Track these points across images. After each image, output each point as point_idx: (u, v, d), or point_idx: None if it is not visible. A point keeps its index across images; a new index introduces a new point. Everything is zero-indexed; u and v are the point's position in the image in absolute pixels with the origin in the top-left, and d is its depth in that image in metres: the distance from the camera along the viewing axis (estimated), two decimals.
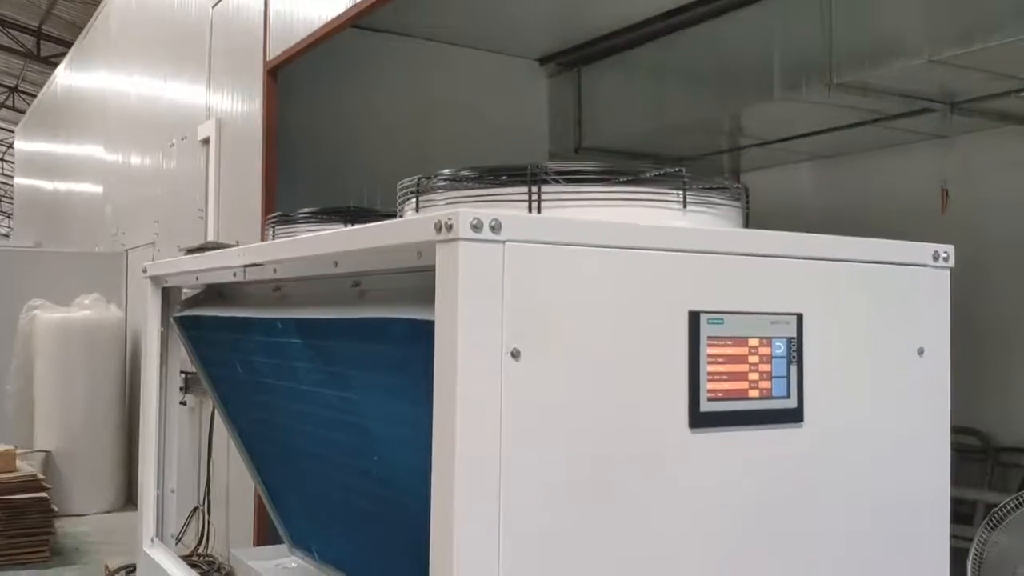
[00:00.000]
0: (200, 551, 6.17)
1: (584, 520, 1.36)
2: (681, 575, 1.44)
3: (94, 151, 10.08)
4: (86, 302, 7.88)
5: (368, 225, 1.47)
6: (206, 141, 6.26)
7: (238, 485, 5.94)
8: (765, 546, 1.52)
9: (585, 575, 1.36)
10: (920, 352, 1.68)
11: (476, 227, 1.25)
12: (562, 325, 1.34)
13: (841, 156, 6.83)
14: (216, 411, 3.12)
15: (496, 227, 1.27)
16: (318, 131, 5.58)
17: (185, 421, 6.37)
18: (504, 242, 1.28)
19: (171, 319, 2.63)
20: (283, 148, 5.21)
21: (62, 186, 12.19)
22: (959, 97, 5.02)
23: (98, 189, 9.94)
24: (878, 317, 1.64)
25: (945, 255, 1.71)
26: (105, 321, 7.90)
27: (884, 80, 4.59)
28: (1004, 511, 2.45)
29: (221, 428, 6.20)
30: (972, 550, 2.53)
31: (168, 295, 2.66)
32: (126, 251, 8.46)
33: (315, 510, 2.48)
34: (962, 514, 5.27)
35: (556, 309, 1.33)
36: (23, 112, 16.72)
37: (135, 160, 8.51)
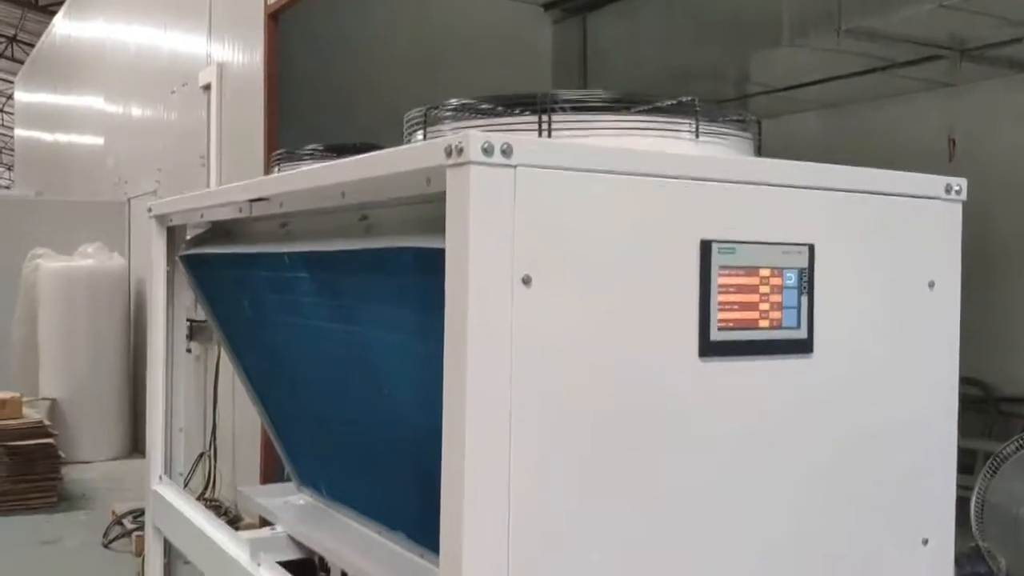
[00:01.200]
0: (207, 495, 6.24)
1: (594, 447, 1.37)
2: (688, 503, 1.45)
3: (94, 102, 10.01)
4: (89, 251, 7.88)
5: (377, 152, 1.46)
6: (207, 87, 6.21)
7: (244, 431, 5.99)
8: (772, 476, 1.53)
9: (596, 502, 1.37)
10: (931, 285, 1.68)
11: (487, 151, 1.24)
12: (573, 252, 1.33)
13: (848, 105, 6.77)
14: (223, 351, 3.13)
15: (507, 151, 1.25)
16: (321, 75, 5.53)
17: (191, 369, 6.40)
18: (515, 167, 1.27)
19: (177, 258, 2.62)
20: (286, 93, 5.16)
21: (63, 137, 12.12)
22: (969, 44, 4.96)
23: (99, 140, 9.89)
24: (889, 249, 1.63)
25: (958, 188, 1.70)
26: (108, 270, 7.91)
27: (893, 26, 4.53)
28: (1004, 455, 2.46)
29: (227, 375, 6.24)
30: (974, 496, 2.54)
31: (173, 234, 2.65)
32: (128, 200, 8.44)
33: (323, 448, 2.50)
34: (964, 464, 5.31)
35: (567, 236, 1.33)
36: (22, 62, 16.58)
37: (136, 109, 8.45)
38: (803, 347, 1.53)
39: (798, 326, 1.52)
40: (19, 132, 16.37)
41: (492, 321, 1.28)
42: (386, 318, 1.72)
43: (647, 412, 1.41)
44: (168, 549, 2.69)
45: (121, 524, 5.67)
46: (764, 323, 1.49)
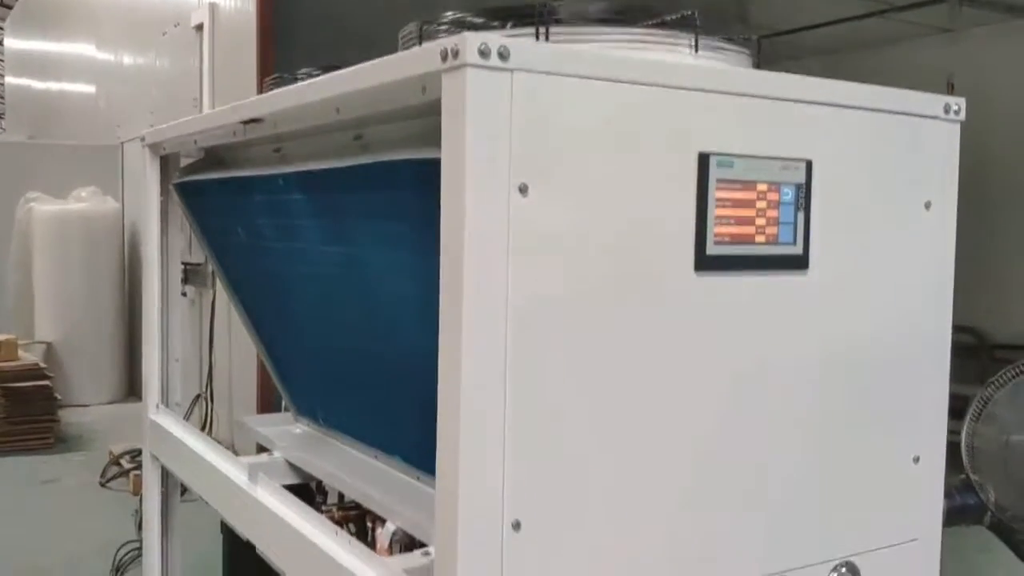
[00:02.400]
0: None
1: (591, 361, 1.37)
2: (681, 416, 1.45)
3: (85, 48, 9.88)
4: (83, 195, 7.84)
5: (371, 61, 1.44)
6: (199, 28, 6.14)
7: (240, 372, 6.02)
8: (765, 391, 1.54)
9: (592, 417, 1.37)
10: (927, 206, 1.68)
11: (484, 53, 1.22)
12: (571, 161, 1.32)
13: (848, 51, 6.72)
14: (218, 283, 3.12)
15: (504, 54, 1.24)
16: (316, 8, 5.46)
17: (186, 313, 6.40)
18: (512, 71, 1.25)
19: (170, 188, 2.61)
20: (279, 30, 5.10)
21: (55, 85, 11.99)
22: None
23: (91, 87, 9.78)
24: (887, 168, 1.62)
25: (956, 108, 1.69)
26: (102, 214, 7.88)
27: None
28: (997, 383, 2.48)
29: (222, 317, 6.25)
30: (964, 427, 2.56)
31: (167, 164, 2.63)
32: (121, 144, 8.38)
33: (320, 376, 2.50)
34: (956, 409, 5.36)
35: (565, 144, 1.32)
36: (11, 8, 16.33)
37: (128, 53, 8.35)
38: (798, 263, 1.53)
39: (794, 242, 1.52)
40: (10, 80, 16.18)
41: (488, 230, 1.27)
42: (382, 236, 1.72)
43: (642, 324, 1.41)
44: (165, 478, 2.71)
45: (119, 464, 5.71)
46: (760, 238, 1.49)
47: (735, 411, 1.51)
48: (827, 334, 1.59)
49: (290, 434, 2.57)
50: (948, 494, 1.97)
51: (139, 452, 5.51)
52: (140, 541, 4.09)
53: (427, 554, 1.64)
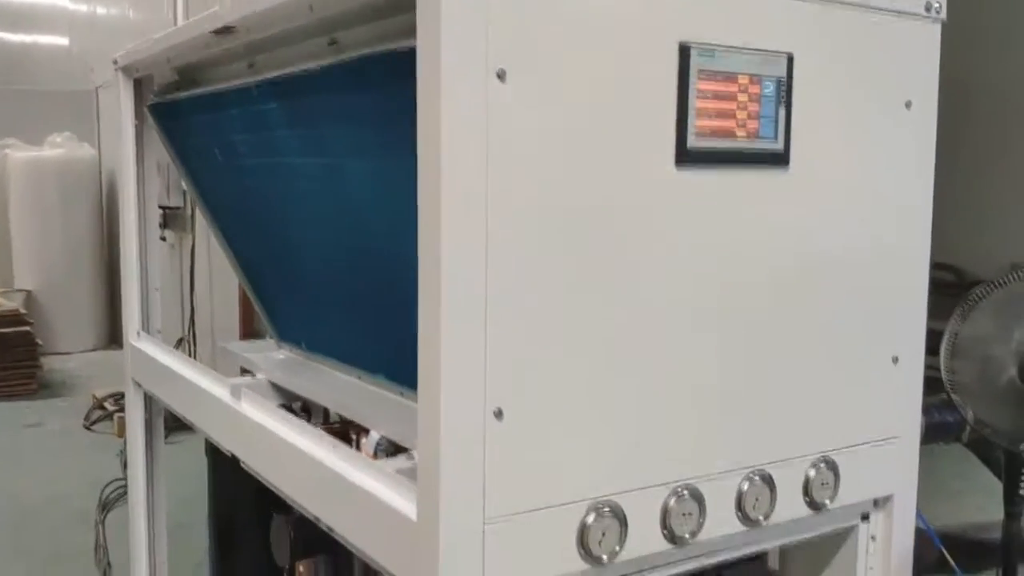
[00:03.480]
0: None
1: (569, 253, 1.36)
2: (660, 309, 1.45)
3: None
4: (58, 140, 7.74)
5: None
6: None
7: (222, 318, 6.00)
8: (745, 289, 1.54)
9: (569, 304, 1.37)
10: (908, 105, 1.67)
11: None
12: (549, 47, 1.30)
13: None
14: (197, 210, 3.09)
15: None
16: None
17: (166, 257, 6.37)
18: None
19: (145, 110, 2.57)
20: None
21: (27, 38, 11.74)
22: None
23: (64, 37, 9.59)
24: (867, 65, 1.61)
25: (937, 7, 1.67)
26: (78, 160, 7.79)
27: None
28: (976, 296, 2.49)
29: (203, 262, 6.22)
30: (944, 341, 2.56)
31: (140, 87, 2.59)
32: (96, 89, 8.24)
33: (302, 299, 2.49)
34: (934, 347, 5.39)
35: (543, 29, 1.30)
36: None
37: (101, 4, 8.18)
38: (779, 160, 1.53)
39: (775, 138, 1.51)
40: None
41: (466, 118, 1.26)
42: (360, 140, 1.70)
43: (624, 219, 1.40)
44: (148, 405, 2.71)
45: (102, 407, 5.72)
46: (741, 133, 1.48)
47: (714, 306, 1.51)
48: (807, 232, 1.59)
49: (273, 359, 2.57)
50: (926, 411, 2.00)
51: (122, 396, 5.51)
52: (126, 480, 4.13)
53: (411, 458, 1.65)
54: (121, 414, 5.31)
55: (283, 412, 1.87)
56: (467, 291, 1.28)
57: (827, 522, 1.72)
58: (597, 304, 1.40)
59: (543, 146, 1.32)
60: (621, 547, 1.43)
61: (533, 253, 1.33)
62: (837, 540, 1.80)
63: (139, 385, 2.67)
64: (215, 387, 2.12)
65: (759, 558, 1.87)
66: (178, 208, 6.34)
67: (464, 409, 1.29)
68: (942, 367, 2.51)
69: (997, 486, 3.27)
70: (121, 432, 5.10)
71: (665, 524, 1.48)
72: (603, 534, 1.41)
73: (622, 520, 1.43)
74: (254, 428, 1.90)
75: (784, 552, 1.91)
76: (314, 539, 1.82)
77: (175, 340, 6.28)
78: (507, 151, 1.29)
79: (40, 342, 6.66)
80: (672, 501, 1.48)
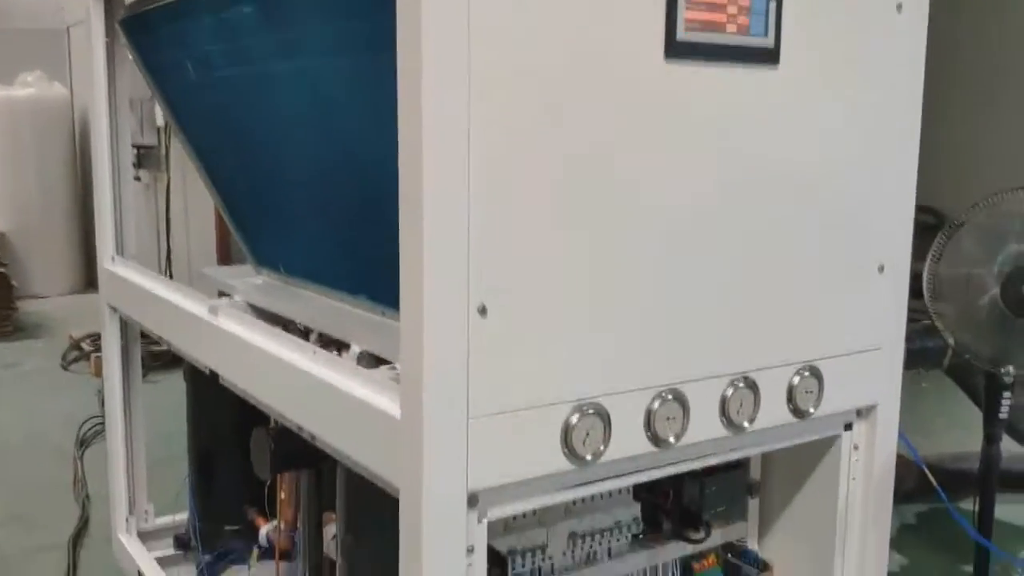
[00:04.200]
0: None
1: (555, 147, 1.33)
2: (647, 207, 1.43)
3: None
4: (29, 79, 7.56)
5: None
6: None
7: (198, 256, 5.93)
8: (732, 189, 1.51)
9: (555, 199, 1.34)
10: (899, 8, 1.64)
11: None
12: None
13: None
14: (173, 140, 3.02)
15: None
16: None
17: (141, 197, 6.27)
18: None
19: (116, 27, 2.49)
20: None
21: None
22: None
23: None
24: None
25: None
26: (51, 99, 7.62)
27: None
28: (959, 221, 2.48)
29: (178, 200, 6.13)
30: (927, 265, 2.54)
31: (112, 5, 2.51)
32: (67, 28, 8.05)
33: (280, 221, 2.45)
34: (918, 288, 5.41)
35: None
36: None
37: None
38: (769, 57, 1.49)
39: (765, 34, 1.48)
40: None
41: (446, 15, 1.21)
42: (337, 35, 1.64)
43: (612, 112, 1.37)
44: (125, 331, 2.67)
45: (79, 348, 5.65)
46: (731, 27, 1.44)
47: (700, 206, 1.48)
48: (795, 134, 1.56)
49: (251, 283, 2.53)
50: (908, 338, 1.99)
51: (99, 336, 5.44)
52: (103, 417, 4.09)
53: (394, 369, 1.63)
54: (98, 354, 5.24)
55: (262, 323, 1.83)
56: (449, 185, 1.25)
57: (810, 430, 1.72)
58: (583, 201, 1.37)
59: (528, 32, 1.28)
60: (605, 447, 1.42)
61: (518, 147, 1.30)
62: (820, 450, 1.80)
63: (115, 310, 2.63)
64: (192, 304, 2.09)
65: (741, 467, 1.87)
66: (152, 147, 6.24)
67: (447, 305, 1.27)
68: (924, 288, 2.51)
69: (975, 421, 3.30)
70: (98, 372, 5.04)
71: (649, 426, 1.46)
72: (587, 434, 1.40)
73: (606, 421, 1.41)
74: (233, 342, 1.87)
75: (766, 463, 1.91)
76: (295, 453, 1.80)
77: None
78: (491, 36, 1.25)
79: (15, 283, 6.57)
80: (656, 404, 1.47)
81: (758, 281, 1.57)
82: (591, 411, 1.40)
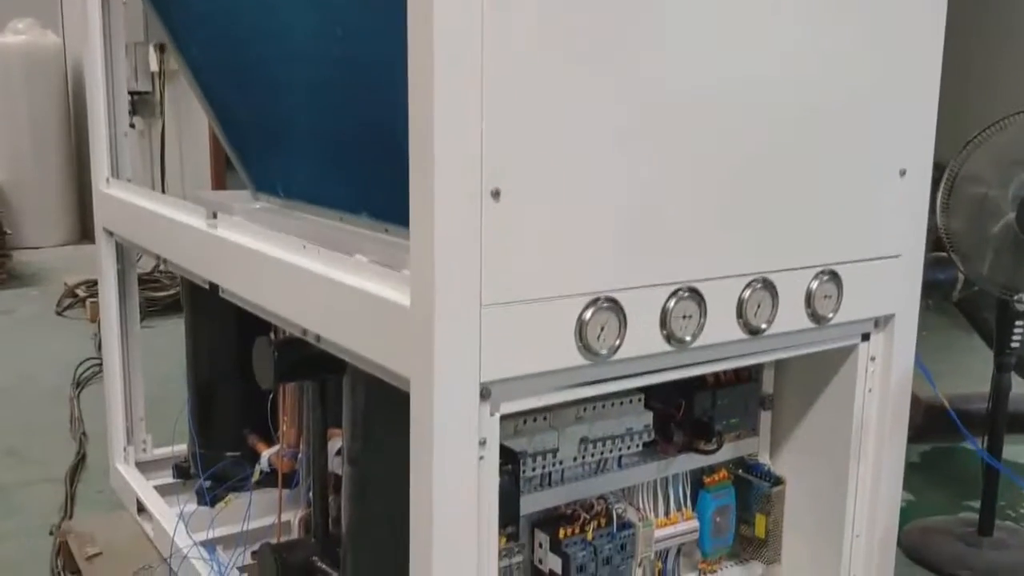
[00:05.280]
0: (160, 268, 6.16)
1: (568, 32, 1.27)
2: (664, 101, 1.38)
3: None
4: (20, 27, 7.42)
5: None
6: None
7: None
8: (754, 85, 1.46)
9: (570, 92, 1.28)
10: None
11: None
12: None
13: None
14: (172, 57, 2.94)
15: None
16: None
17: (136, 145, 6.19)
18: None
19: None
20: None
21: None
22: None
23: None
24: None
25: None
26: (43, 47, 7.50)
27: None
28: (976, 141, 2.43)
29: (173, 146, 6.05)
30: (941, 188, 2.49)
31: None
32: None
33: (279, 145, 2.39)
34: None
35: None
36: None
37: None
38: None
39: None
40: None
41: None
42: None
43: None
44: (121, 255, 2.62)
45: (74, 294, 5.60)
46: None
47: (724, 101, 1.43)
48: (823, 35, 1.51)
49: (250, 207, 2.47)
50: None
51: (94, 283, 5.38)
52: (100, 359, 4.05)
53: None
54: (94, 299, 5.20)
55: (262, 229, 1.78)
56: (461, 59, 1.19)
57: (828, 338, 1.67)
58: (601, 85, 1.31)
59: None
60: (620, 343, 1.37)
61: (531, 25, 1.24)
62: (836, 361, 1.76)
63: (111, 234, 2.57)
64: (191, 217, 2.03)
65: (754, 380, 1.84)
66: (146, 93, 6.14)
67: (459, 187, 1.21)
68: (938, 212, 2.46)
69: (977, 368, 3.26)
70: (94, 317, 5.00)
71: (665, 325, 1.42)
72: (602, 329, 1.35)
73: (621, 317, 1.37)
74: (233, 250, 1.82)
75: (780, 376, 1.87)
76: (298, 362, 1.75)
77: None
78: None
79: (9, 231, 6.50)
80: (672, 302, 1.42)
81: (778, 180, 1.52)
82: (606, 305, 1.35)
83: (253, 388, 2.41)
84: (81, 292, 5.53)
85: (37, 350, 4.74)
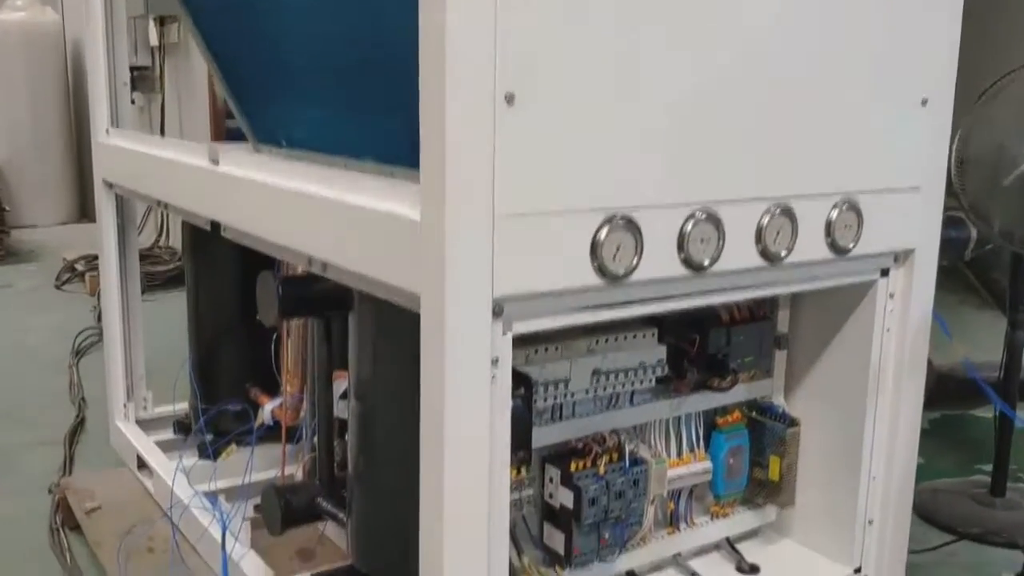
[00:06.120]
0: (159, 244, 6.12)
1: None
2: (686, 18, 1.33)
3: None
4: (18, 3, 7.37)
5: None
6: None
7: None
8: (783, 9, 1.42)
9: (594, 6, 1.24)
10: None
11: None
12: None
13: None
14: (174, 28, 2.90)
15: None
16: None
17: (136, 122, 6.13)
18: None
19: None
20: None
21: None
22: None
23: None
24: None
25: None
26: (42, 25, 7.44)
27: None
28: (991, 91, 2.39)
29: (172, 123, 5.99)
30: (955, 141, 2.45)
31: None
32: None
33: (281, 94, 2.34)
34: None
35: None
36: None
37: None
38: None
39: None
40: None
41: None
42: None
43: None
44: (121, 209, 2.57)
45: (73, 269, 5.56)
46: None
47: (748, 24, 1.39)
48: None
49: (252, 156, 2.43)
50: None
51: (94, 257, 5.33)
52: (99, 329, 4.01)
53: None
54: (93, 273, 5.16)
55: (264, 160, 1.74)
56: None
57: (847, 271, 1.63)
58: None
59: None
60: (637, 263, 1.33)
61: None
62: (853, 299, 1.72)
63: (110, 186, 2.52)
64: (192, 157, 1.99)
65: (768, 319, 1.80)
66: (146, 68, 6.09)
67: (471, 90, 1.17)
68: (952, 163, 2.41)
69: (987, 342, 3.22)
70: (93, 290, 4.95)
71: (682, 248, 1.38)
72: (618, 248, 1.31)
73: (637, 236, 1.32)
74: (236, 185, 1.78)
75: (795, 315, 1.83)
76: (303, 298, 1.71)
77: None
78: None
79: (7, 207, 6.45)
80: (690, 225, 1.38)
81: (799, 106, 1.48)
82: (622, 223, 1.31)
83: (256, 341, 2.38)
84: (80, 266, 5.49)
85: (36, 321, 4.70)
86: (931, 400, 3.14)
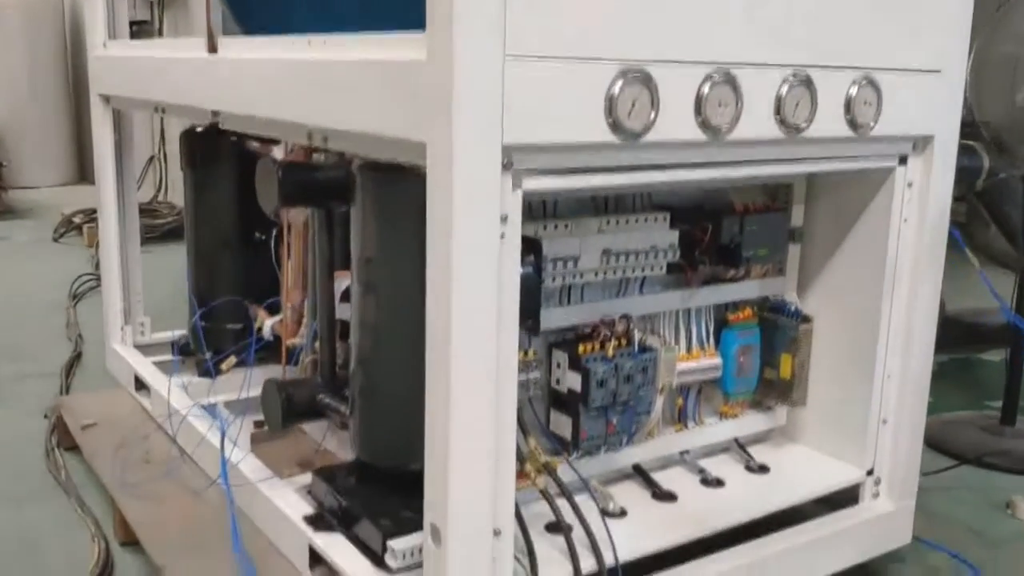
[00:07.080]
0: (158, 200, 6.07)
1: None
2: None
3: None
4: None
5: None
6: None
7: None
8: None
9: None
10: None
11: None
12: None
13: None
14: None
15: None
16: None
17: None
18: None
19: None
20: None
21: None
22: None
23: None
24: None
25: None
26: None
27: None
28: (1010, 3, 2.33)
29: None
30: (971, 57, 2.39)
31: None
32: None
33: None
34: None
35: None
36: None
37: None
38: None
39: None
40: None
41: None
42: None
43: None
44: (118, 124, 2.52)
45: (70, 222, 5.50)
46: None
47: None
48: None
49: None
50: None
51: (92, 211, 5.27)
52: (97, 275, 3.96)
53: None
54: (90, 225, 5.10)
55: (260, 40, 1.69)
56: None
57: (866, 154, 1.59)
58: None
59: None
60: (652, 121, 1.28)
61: None
62: (871, 188, 1.68)
63: (107, 101, 2.47)
64: (189, 51, 1.93)
65: (783, 210, 1.75)
66: (145, 22, 6.02)
67: None
68: (967, 77, 2.36)
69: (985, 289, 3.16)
70: (91, 242, 4.90)
71: (700, 110, 1.33)
72: (633, 104, 1.26)
73: (653, 92, 1.28)
74: (234, 68, 1.72)
75: (811, 207, 1.79)
76: (303, 185, 1.65)
77: (145, 158, 6.08)
78: None
79: (5, 164, 6.39)
80: (707, 87, 1.33)
81: (818, 35, 1.43)
82: (637, 76, 1.26)
83: (256, 260, 2.34)
84: (77, 220, 5.44)
85: (33, 272, 4.65)
86: (938, 344, 3.10)
